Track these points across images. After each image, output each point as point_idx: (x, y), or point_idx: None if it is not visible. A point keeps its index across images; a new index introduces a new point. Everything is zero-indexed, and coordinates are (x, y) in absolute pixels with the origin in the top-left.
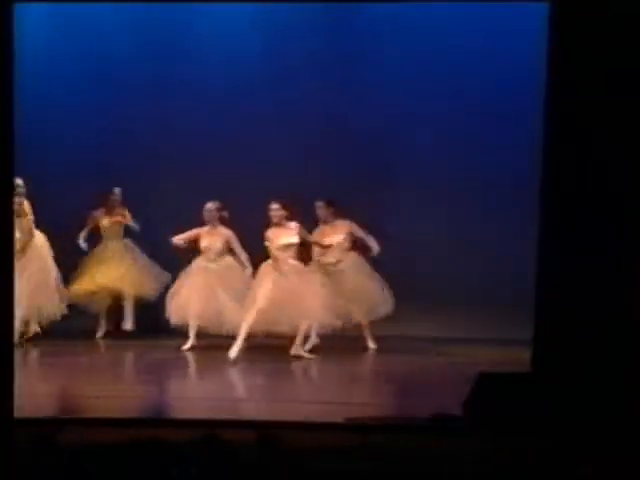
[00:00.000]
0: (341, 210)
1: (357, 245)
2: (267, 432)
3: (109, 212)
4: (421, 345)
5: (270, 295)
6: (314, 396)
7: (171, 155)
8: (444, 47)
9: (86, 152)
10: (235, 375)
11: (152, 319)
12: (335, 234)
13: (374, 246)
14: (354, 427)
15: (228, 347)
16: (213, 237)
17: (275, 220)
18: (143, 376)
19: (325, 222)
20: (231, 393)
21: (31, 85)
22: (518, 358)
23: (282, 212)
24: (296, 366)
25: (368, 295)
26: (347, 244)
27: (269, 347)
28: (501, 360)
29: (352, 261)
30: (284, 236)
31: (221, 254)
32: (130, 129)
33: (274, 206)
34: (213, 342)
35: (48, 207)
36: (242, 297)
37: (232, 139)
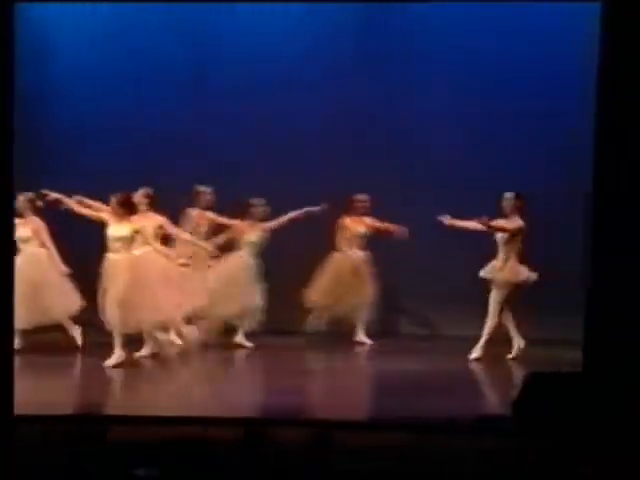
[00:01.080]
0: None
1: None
2: (313, 431)
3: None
4: (471, 345)
5: None
6: (359, 395)
7: (211, 155)
8: (489, 47)
9: (125, 153)
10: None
11: None
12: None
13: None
14: (401, 427)
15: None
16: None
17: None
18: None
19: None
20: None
21: (71, 85)
22: (568, 358)
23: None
24: (332, 365)
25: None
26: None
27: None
28: (551, 360)
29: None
30: None
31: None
32: (172, 130)
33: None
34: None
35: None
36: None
37: (272, 139)
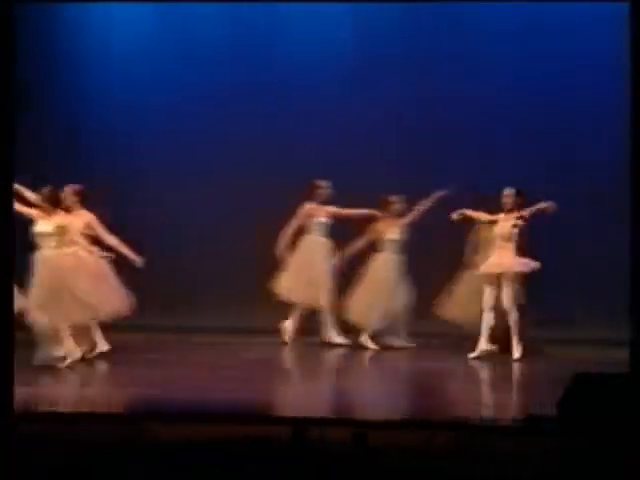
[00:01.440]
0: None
1: None
2: (360, 431)
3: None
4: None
5: None
6: (409, 395)
7: (259, 153)
8: (535, 47)
9: (177, 153)
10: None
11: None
12: None
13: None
14: (445, 426)
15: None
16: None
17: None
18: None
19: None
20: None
21: (124, 84)
22: (613, 358)
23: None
24: (381, 364)
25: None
26: None
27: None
28: (596, 360)
29: None
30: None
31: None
32: (222, 131)
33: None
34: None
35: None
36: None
37: (325, 139)
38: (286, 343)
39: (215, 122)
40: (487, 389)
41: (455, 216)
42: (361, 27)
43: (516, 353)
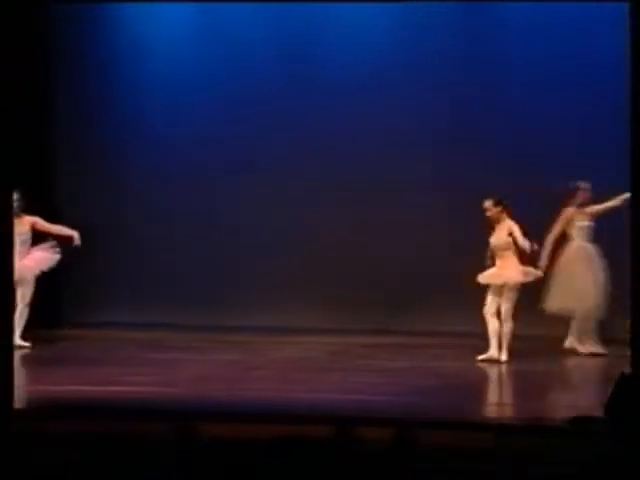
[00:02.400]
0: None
1: None
2: (404, 431)
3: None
4: (553, 345)
5: None
6: (450, 395)
7: (304, 151)
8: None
9: (223, 150)
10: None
11: None
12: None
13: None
14: (491, 428)
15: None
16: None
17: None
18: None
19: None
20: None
21: (161, 84)
22: None
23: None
24: (432, 365)
25: None
26: None
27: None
28: None
29: None
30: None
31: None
32: (260, 130)
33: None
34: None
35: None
36: None
37: (363, 139)
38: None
39: (252, 122)
40: (533, 389)
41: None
42: (397, 28)
43: (503, 356)
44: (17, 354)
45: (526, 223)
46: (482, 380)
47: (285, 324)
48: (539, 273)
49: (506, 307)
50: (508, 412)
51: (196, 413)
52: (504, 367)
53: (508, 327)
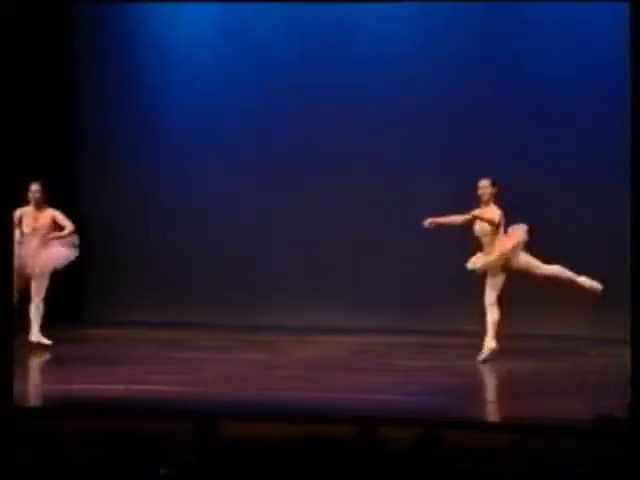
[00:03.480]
0: None
1: None
2: (427, 430)
3: None
4: (582, 345)
5: None
6: (472, 395)
7: (325, 150)
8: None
9: (250, 154)
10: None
11: None
12: None
13: None
14: (514, 428)
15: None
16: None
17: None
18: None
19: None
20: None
21: (191, 84)
22: None
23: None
24: (454, 364)
25: None
26: None
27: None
28: None
29: None
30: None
31: None
32: (293, 130)
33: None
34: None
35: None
36: None
37: (387, 140)
38: None
39: (273, 120)
40: (555, 389)
41: (427, 224)
42: (425, 27)
43: (493, 343)
44: (38, 352)
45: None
46: (504, 380)
47: (307, 323)
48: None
49: (489, 295)
50: (531, 412)
51: (218, 412)
52: (526, 366)
53: (491, 317)
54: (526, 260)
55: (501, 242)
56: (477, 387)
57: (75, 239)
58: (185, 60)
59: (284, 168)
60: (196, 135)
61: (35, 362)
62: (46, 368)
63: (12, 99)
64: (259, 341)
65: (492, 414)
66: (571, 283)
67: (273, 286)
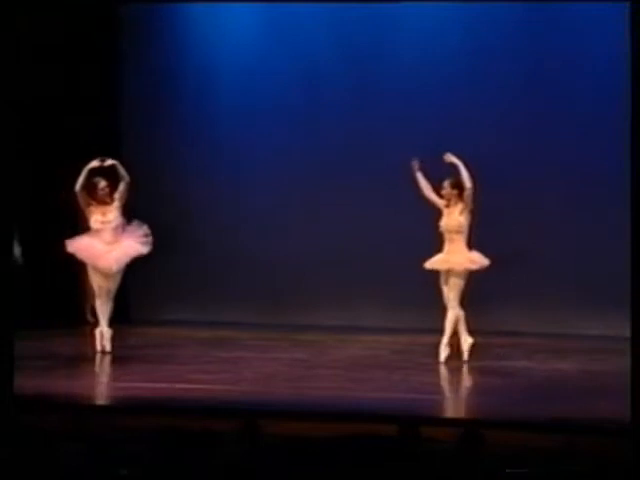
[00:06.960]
0: None
1: None
2: (470, 430)
3: None
4: (620, 345)
5: None
6: (515, 395)
7: (369, 154)
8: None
9: (291, 152)
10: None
11: None
12: None
13: None
14: (559, 428)
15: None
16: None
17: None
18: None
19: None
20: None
21: (232, 84)
22: None
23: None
24: (490, 364)
25: None
26: None
27: None
28: None
29: None
30: None
31: None
32: (329, 131)
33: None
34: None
35: None
36: None
37: (423, 140)
38: None
39: (314, 123)
40: (594, 389)
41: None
42: (462, 27)
43: (468, 341)
44: (89, 348)
45: None
46: (548, 379)
47: (349, 323)
48: (486, 261)
49: (453, 294)
50: (576, 412)
51: (261, 411)
52: (568, 366)
53: (450, 317)
54: (454, 286)
55: (462, 256)
56: (520, 387)
57: (147, 230)
58: (228, 60)
59: (332, 170)
60: (242, 135)
61: (86, 360)
62: (93, 367)
63: (59, 100)
64: (301, 340)
65: (536, 414)
66: (455, 333)
67: (316, 286)
